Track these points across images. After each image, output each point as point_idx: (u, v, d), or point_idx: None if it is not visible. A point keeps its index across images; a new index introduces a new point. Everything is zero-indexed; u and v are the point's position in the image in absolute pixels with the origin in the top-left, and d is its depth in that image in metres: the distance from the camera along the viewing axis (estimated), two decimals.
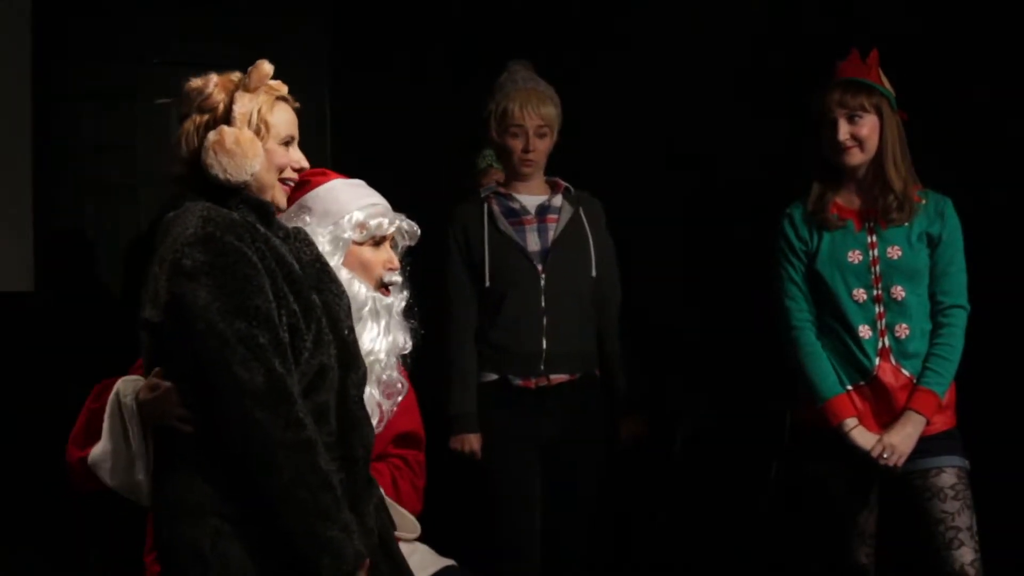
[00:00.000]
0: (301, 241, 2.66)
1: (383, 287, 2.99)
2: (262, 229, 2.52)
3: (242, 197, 2.53)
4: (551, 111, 3.84)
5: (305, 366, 2.45)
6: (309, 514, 2.35)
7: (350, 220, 2.97)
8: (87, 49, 4.60)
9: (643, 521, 4.47)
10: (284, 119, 2.58)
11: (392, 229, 3.02)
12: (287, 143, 2.59)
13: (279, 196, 2.60)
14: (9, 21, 4.32)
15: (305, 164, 2.63)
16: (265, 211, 2.58)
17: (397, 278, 3.01)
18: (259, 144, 2.51)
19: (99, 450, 2.67)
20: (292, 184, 2.64)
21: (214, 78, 2.55)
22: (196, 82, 2.57)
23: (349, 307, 2.66)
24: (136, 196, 4.74)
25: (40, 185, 4.39)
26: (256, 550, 2.39)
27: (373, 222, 2.98)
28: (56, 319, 4.40)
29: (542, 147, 3.84)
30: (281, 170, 2.58)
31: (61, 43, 4.49)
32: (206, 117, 2.53)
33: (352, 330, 2.63)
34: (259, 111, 2.53)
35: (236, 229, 2.45)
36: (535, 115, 3.81)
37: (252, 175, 2.50)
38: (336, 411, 2.50)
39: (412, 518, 3.07)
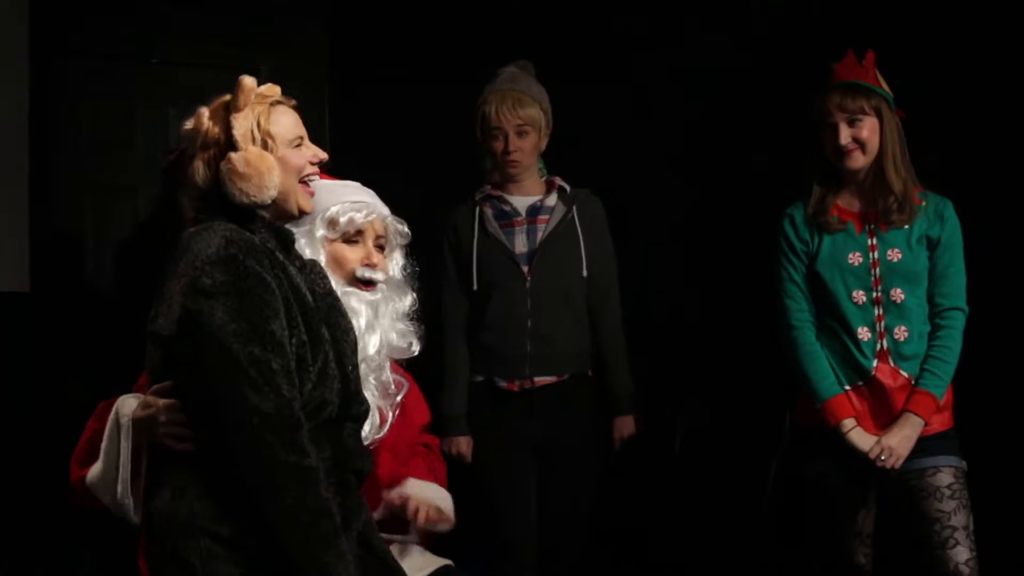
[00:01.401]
0: (316, 273, 2.66)
1: (362, 283, 2.98)
2: (280, 257, 2.52)
3: (264, 222, 2.54)
4: (531, 111, 3.82)
5: (307, 397, 2.45)
6: (308, 539, 2.36)
7: (323, 217, 2.96)
8: (87, 49, 4.59)
9: (642, 520, 4.46)
10: (286, 122, 2.56)
11: (364, 221, 2.99)
12: (297, 145, 2.57)
13: (303, 201, 2.58)
14: (8, 21, 4.31)
15: (323, 155, 2.61)
16: (286, 238, 2.59)
17: (376, 274, 2.99)
18: (270, 157, 2.50)
19: (96, 469, 2.67)
20: (315, 179, 2.61)
21: (204, 112, 2.54)
22: (188, 123, 2.55)
23: (355, 343, 2.66)
24: (135, 196, 4.74)
25: (38, 185, 4.38)
26: (247, 573, 2.38)
27: (343, 218, 2.97)
28: (52, 320, 4.39)
29: (525, 146, 3.84)
30: (300, 171, 2.56)
31: (61, 42, 4.48)
32: (211, 152, 2.51)
33: (356, 367, 2.62)
34: (258, 125, 2.52)
35: (257, 253, 2.45)
36: (511, 115, 3.80)
37: (275, 188, 2.49)
38: (331, 442, 2.51)
39: (449, 499, 3.08)
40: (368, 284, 2.98)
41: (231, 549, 2.38)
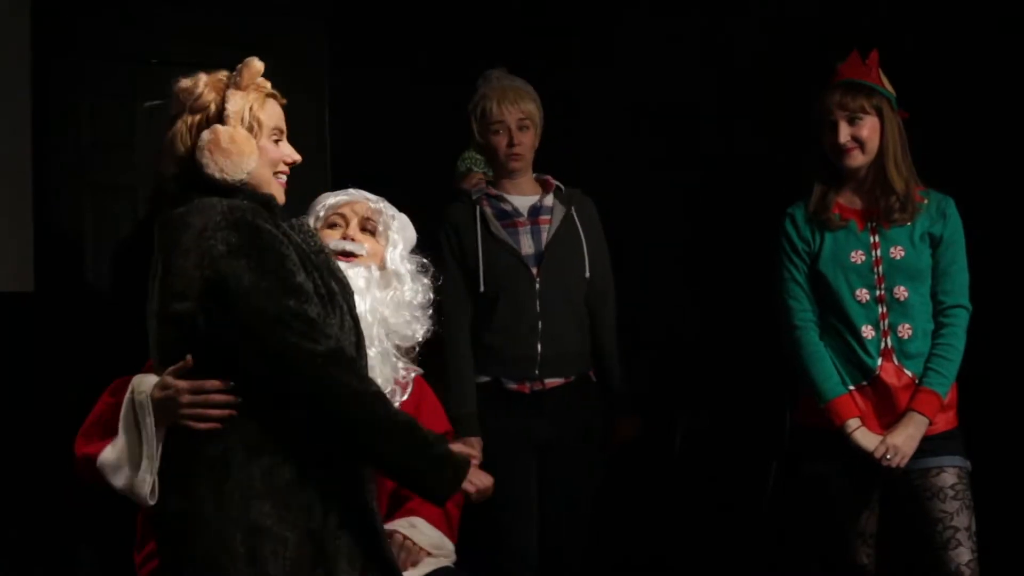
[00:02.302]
0: (305, 232, 2.67)
1: (340, 255, 3.04)
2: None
3: (245, 193, 2.53)
4: (530, 106, 3.83)
5: None
6: (416, 440, 2.41)
7: (311, 215, 3.16)
8: (87, 49, 4.59)
9: (642, 521, 4.46)
10: (274, 115, 2.59)
11: (336, 202, 3.15)
12: (277, 140, 2.59)
13: (277, 190, 2.60)
14: (9, 21, 4.31)
15: (296, 157, 2.63)
16: (269, 204, 2.58)
17: (353, 247, 3.08)
18: (254, 142, 2.52)
19: (114, 449, 2.63)
20: (285, 177, 2.64)
21: (203, 77, 2.55)
22: (186, 82, 2.56)
23: (353, 296, 2.69)
24: (136, 196, 4.74)
25: (40, 185, 4.39)
26: (293, 562, 2.37)
27: (322, 207, 3.16)
28: (55, 319, 4.39)
29: (527, 141, 3.83)
30: (274, 165, 2.58)
31: (61, 43, 4.48)
32: (198, 117, 2.52)
33: (358, 321, 2.66)
34: (251, 109, 2.53)
35: (259, 213, 2.46)
36: (514, 109, 3.81)
37: (249, 172, 2.50)
38: None
39: (451, 546, 3.13)
40: (346, 256, 3.04)
41: (277, 537, 2.38)
